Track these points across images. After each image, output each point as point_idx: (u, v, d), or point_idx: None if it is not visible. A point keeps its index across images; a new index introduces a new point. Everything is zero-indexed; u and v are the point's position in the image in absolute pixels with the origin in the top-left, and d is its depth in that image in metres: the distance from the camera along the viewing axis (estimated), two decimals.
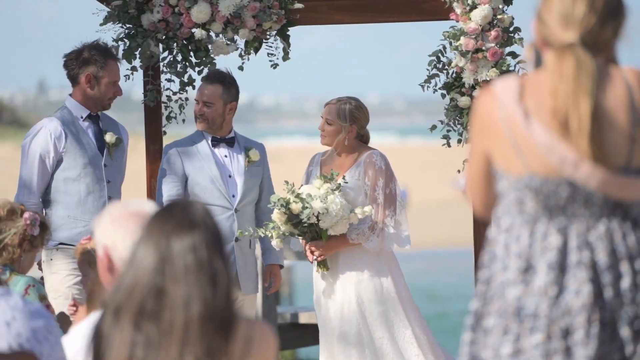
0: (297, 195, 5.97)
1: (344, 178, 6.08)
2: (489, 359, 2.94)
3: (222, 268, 2.66)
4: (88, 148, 6.17)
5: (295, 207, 5.95)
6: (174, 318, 2.61)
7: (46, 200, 6.17)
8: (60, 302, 5.91)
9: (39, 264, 6.19)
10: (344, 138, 6.18)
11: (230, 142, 6.36)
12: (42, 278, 6.05)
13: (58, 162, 6.14)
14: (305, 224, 5.98)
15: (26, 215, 4.56)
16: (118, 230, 3.11)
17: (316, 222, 5.97)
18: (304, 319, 8.96)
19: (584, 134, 2.87)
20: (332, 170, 6.09)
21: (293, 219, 5.98)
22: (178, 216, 2.68)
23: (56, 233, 6.05)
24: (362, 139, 6.28)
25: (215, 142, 6.34)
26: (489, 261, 3.03)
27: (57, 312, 5.46)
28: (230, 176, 6.31)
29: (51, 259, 6.09)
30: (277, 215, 5.98)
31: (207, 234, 2.67)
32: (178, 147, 6.31)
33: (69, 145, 6.13)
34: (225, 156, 6.34)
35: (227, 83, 6.32)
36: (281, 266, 6.51)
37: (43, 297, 4.51)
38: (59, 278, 6.05)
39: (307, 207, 5.93)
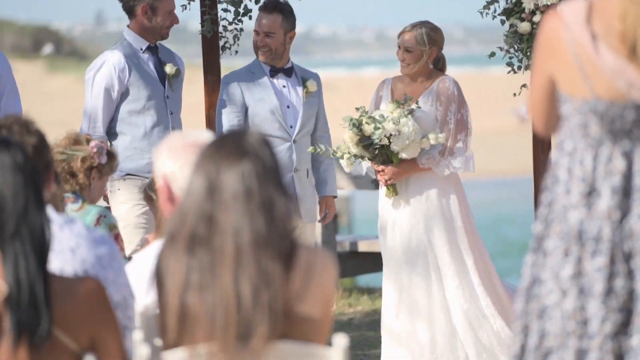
0: (370, 117, 5.98)
1: (417, 103, 6.08)
2: (548, 280, 2.94)
3: (277, 197, 2.67)
4: (151, 80, 6.21)
5: (368, 128, 5.96)
6: (224, 245, 2.65)
7: (112, 132, 6.23)
8: (129, 230, 6.01)
9: (105, 196, 6.28)
10: (426, 62, 6.16)
11: (288, 72, 6.36)
12: (108, 209, 6.14)
13: (123, 94, 6.19)
14: (377, 146, 5.99)
15: (92, 144, 4.62)
16: (176, 161, 3.14)
17: (388, 144, 5.99)
18: (363, 247, 9.01)
19: None
20: (406, 95, 6.09)
21: (364, 141, 6.00)
22: (230, 145, 2.70)
23: (123, 164, 6.12)
24: (438, 66, 6.26)
25: (274, 72, 6.34)
26: (552, 184, 3.02)
27: (128, 240, 5.55)
28: (288, 107, 6.32)
29: (119, 189, 6.17)
30: (349, 136, 6.00)
31: (258, 163, 2.68)
32: (237, 78, 6.32)
33: (133, 77, 6.17)
34: (284, 86, 6.35)
35: (286, 12, 6.31)
36: (335, 197, 6.53)
37: (113, 227, 4.57)
38: (126, 208, 6.13)
39: (378, 128, 5.94)
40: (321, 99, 6.46)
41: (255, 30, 6.34)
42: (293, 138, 6.28)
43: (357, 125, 5.97)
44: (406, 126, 5.97)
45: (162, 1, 6.19)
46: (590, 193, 2.94)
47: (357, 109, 6.06)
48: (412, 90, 6.20)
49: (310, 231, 6.44)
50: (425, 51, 6.16)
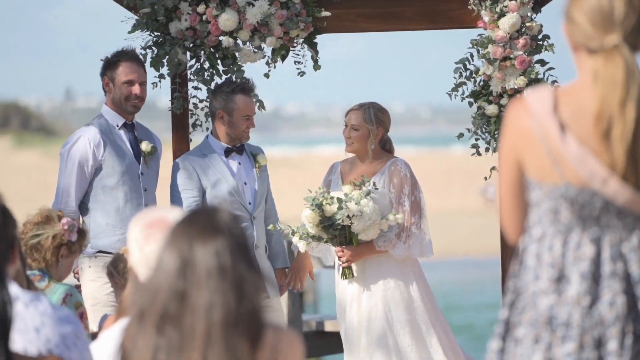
0: (332, 198, 5.98)
1: (374, 184, 6.09)
2: None
3: (248, 274, 2.66)
4: (125, 156, 6.20)
5: (329, 208, 5.96)
6: (195, 323, 2.62)
7: (84, 208, 6.20)
8: (98, 309, 5.94)
9: (74, 272, 6.22)
10: (371, 142, 6.19)
11: (240, 150, 6.37)
12: (77, 286, 6.07)
13: (96, 170, 6.18)
14: (338, 227, 5.99)
15: (64, 220, 4.58)
16: (146, 238, 3.12)
17: (349, 224, 5.98)
18: (329, 326, 8.96)
19: (625, 142, 2.85)
20: (363, 177, 6.11)
21: (325, 222, 5.99)
22: (203, 222, 2.69)
23: (95, 240, 6.09)
24: (386, 147, 6.29)
25: (228, 152, 6.34)
26: (519, 271, 3.01)
27: (96, 319, 5.48)
28: (245, 183, 6.32)
29: (89, 266, 6.11)
30: (310, 216, 5.98)
31: (231, 240, 2.67)
32: (191, 160, 6.28)
33: (107, 153, 6.16)
34: (239, 163, 6.35)
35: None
36: (287, 268, 6.49)
37: (79, 305, 4.52)
38: (96, 285, 6.07)
39: (342, 208, 5.94)
40: (267, 172, 6.47)
41: (247, 116, 6.28)
42: (252, 215, 6.28)
43: (319, 206, 5.96)
44: (367, 207, 5.98)
45: (118, 74, 6.20)
46: (560, 279, 2.94)
47: (310, 190, 6.06)
48: (362, 171, 6.22)
49: (277, 305, 6.39)
50: (372, 130, 6.19)
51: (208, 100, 6.58)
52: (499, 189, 3.03)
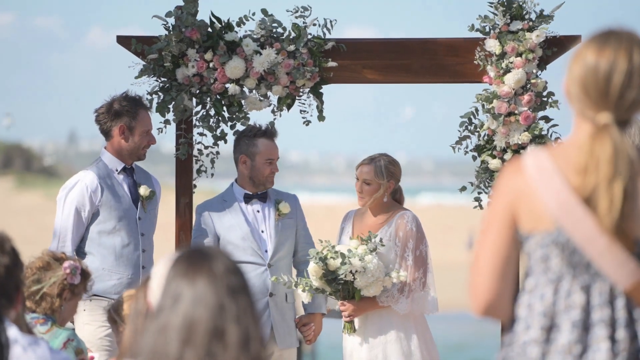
0: (337, 252, 5.96)
1: (381, 241, 6.06)
2: None
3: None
4: (123, 201, 6.20)
5: (333, 263, 5.94)
6: None
7: (80, 252, 6.19)
8: (92, 353, 5.91)
9: None
10: (382, 195, 6.18)
11: (262, 197, 6.38)
12: (72, 329, 6.05)
13: (94, 215, 6.18)
14: (341, 282, 5.97)
15: (66, 264, 4.56)
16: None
17: (352, 280, 5.96)
18: None
19: (612, 218, 2.85)
20: (370, 232, 6.08)
21: (328, 275, 5.97)
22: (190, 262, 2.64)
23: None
24: (396, 197, 6.29)
25: (248, 199, 6.36)
26: (512, 323, 3.00)
27: None
28: (262, 231, 6.31)
29: (84, 310, 6.10)
30: (314, 269, 5.97)
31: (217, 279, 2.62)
32: (209, 207, 6.35)
33: (105, 198, 6.17)
34: (258, 211, 6.35)
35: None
36: (323, 314, 6.42)
37: (80, 351, 4.49)
38: (91, 329, 6.05)
39: (346, 264, 5.91)
40: (300, 218, 6.43)
41: (269, 160, 6.31)
42: (268, 262, 6.25)
43: (323, 260, 5.95)
44: (371, 263, 5.96)
45: (138, 121, 6.24)
46: (551, 328, 2.93)
47: (321, 241, 6.06)
48: (372, 223, 6.21)
49: (290, 356, 6.34)
50: (383, 184, 6.18)
51: (213, 146, 6.61)
52: (482, 251, 2.95)
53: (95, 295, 6.10)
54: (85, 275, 4.60)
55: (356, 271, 5.95)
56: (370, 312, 6.11)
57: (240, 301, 2.63)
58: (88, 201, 6.15)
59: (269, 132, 6.35)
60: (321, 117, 6.65)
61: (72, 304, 4.59)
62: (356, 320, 6.13)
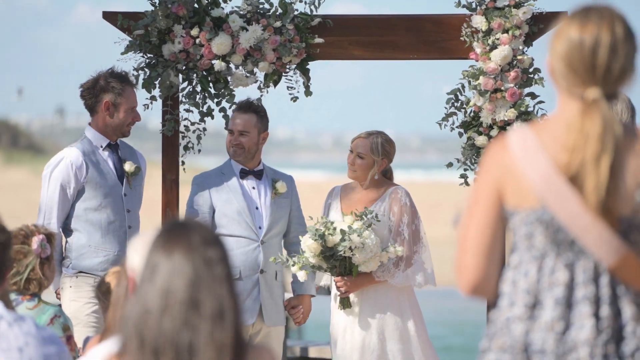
0: (335, 229, 5.96)
1: (376, 216, 6.06)
2: None
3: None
4: (108, 178, 6.19)
5: (332, 239, 5.94)
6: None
7: (67, 229, 6.18)
8: (78, 329, 5.91)
9: (57, 293, 6.19)
10: (374, 172, 6.18)
11: (258, 174, 6.38)
12: (59, 305, 6.06)
13: (79, 192, 6.16)
14: (339, 258, 5.97)
15: (34, 244, 4.51)
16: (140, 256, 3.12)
17: (350, 256, 5.97)
18: (313, 353, 8.92)
19: (599, 195, 2.85)
20: (366, 208, 6.08)
21: (326, 252, 5.97)
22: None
23: (77, 261, 6.07)
24: (386, 175, 6.30)
25: (244, 174, 6.36)
26: (497, 299, 3.02)
27: (76, 339, 5.45)
28: (257, 208, 6.31)
29: (70, 287, 6.09)
30: (312, 246, 5.96)
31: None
32: (206, 178, 6.34)
33: (90, 175, 6.15)
34: (253, 188, 6.36)
35: (260, 112, 6.38)
36: (312, 296, 6.44)
37: (67, 328, 4.48)
38: (77, 306, 6.05)
39: (345, 240, 5.92)
40: (294, 199, 6.43)
41: (229, 130, 6.37)
42: (261, 239, 6.25)
43: (322, 236, 5.94)
44: (369, 239, 5.97)
45: (124, 97, 6.21)
46: (535, 305, 2.94)
47: (311, 218, 6.05)
48: (361, 197, 6.22)
49: (278, 334, 6.35)
50: (377, 161, 6.19)
51: (199, 123, 6.60)
52: (469, 230, 2.95)
53: (81, 272, 6.10)
54: (50, 238, 4.53)
55: (355, 247, 5.96)
56: (366, 287, 6.12)
57: (217, 273, 2.63)
58: (73, 178, 6.13)
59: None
60: (308, 93, 6.64)
61: (51, 267, 4.56)
62: (351, 296, 6.14)
